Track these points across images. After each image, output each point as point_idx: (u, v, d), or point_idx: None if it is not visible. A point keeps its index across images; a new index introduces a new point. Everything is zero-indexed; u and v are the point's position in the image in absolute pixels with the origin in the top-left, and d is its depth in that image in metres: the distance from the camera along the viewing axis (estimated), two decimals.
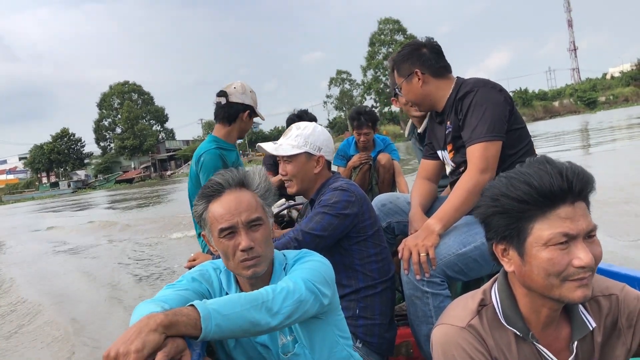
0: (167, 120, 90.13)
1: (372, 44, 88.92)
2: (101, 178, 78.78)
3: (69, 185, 75.61)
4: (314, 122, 2.53)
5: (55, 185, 79.44)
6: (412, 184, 2.83)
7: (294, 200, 3.70)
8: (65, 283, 8.47)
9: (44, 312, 6.70)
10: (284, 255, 1.83)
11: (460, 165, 2.43)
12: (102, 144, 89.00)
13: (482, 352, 1.35)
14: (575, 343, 1.38)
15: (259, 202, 1.70)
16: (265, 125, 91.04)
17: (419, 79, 2.46)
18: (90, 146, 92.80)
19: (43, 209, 35.95)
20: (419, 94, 2.50)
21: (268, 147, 2.46)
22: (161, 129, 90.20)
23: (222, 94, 3.34)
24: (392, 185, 4.58)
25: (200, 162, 3.24)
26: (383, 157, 4.48)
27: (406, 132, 3.86)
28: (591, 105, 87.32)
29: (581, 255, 1.21)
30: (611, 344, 1.40)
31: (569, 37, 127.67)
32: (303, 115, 4.31)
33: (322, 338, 1.74)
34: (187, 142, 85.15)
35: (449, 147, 2.50)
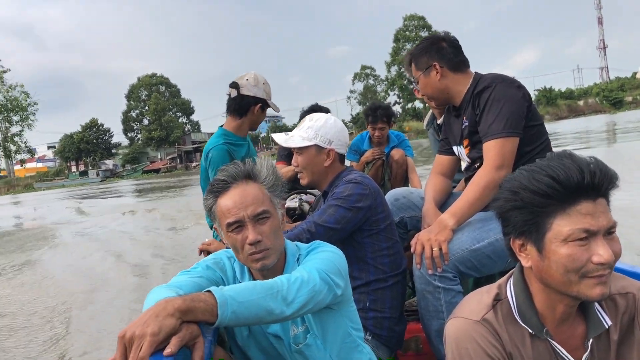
0: (193, 112, 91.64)
1: (396, 40, 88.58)
2: (129, 168, 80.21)
3: (97, 174, 76.84)
4: (327, 114, 2.50)
5: (84, 173, 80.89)
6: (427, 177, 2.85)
7: (306, 193, 3.68)
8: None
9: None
10: (297, 247, 1.83)
11: (476, 161, 2.42)
12: (129, 134, 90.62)
13: (497, 346, 1.34)
14: (591, 341, 1.36)
15: (266, 195, 1.71)
16: (289, 119, 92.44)
17: (437, 73, 2.45)
18: (118, 136, 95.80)
19: (78, 195, 37.20)
20: (437, 88, 2.49)
21: (279, 138, 2.47)
22: (187, 121, 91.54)
23: (233, 85, 3.28)
24: (404, 182, 4.56)
25: (208, 158, 3.23)
26: (396, 153, 4.46)
27: (425, 122, 3.86)
28: (617, 105, 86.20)
29: (601, 251, 1.19)
30: (627, 342, 1.38)
31: (599, 35, 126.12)
32: (316, 110, 4.22)
33: (334, 329, 1.75)
34: (212, 134, 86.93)
35: (465, 143, 2.47)
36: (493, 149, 2.23)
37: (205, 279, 1.68)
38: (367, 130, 4.75)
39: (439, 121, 3.40)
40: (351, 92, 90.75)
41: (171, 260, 8.80)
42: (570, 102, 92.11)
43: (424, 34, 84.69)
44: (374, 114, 4.44)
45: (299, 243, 1.87)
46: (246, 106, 3.26)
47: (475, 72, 2.48)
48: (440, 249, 2.18)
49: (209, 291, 1.42)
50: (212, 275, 1.73)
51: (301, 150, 2.40)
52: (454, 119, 2.57)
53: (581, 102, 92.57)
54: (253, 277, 1.76)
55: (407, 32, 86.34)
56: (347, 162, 4.34)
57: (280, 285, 1.51)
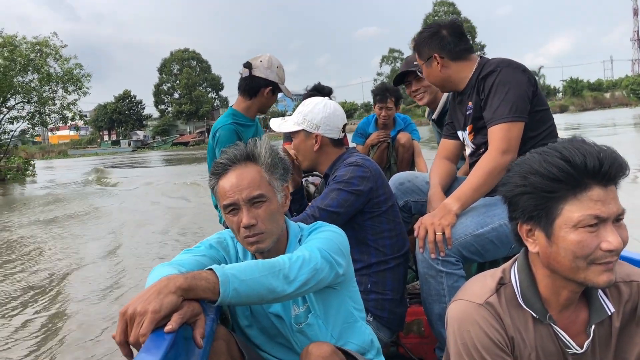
0: (222, 88, 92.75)
1: (425, 24, 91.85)
2: (159, 139, 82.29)
3: (129, 144, 79.51)
4: (320, 98, 2.46)
5: (116, 143, 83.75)
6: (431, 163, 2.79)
7: (313, 175, 3.62)
8: None
9: None
10: (300, 227, 1.83)
11: (481, 146, 2.38)
12: (160, 107, 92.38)
13: (499, 329, 1.34)
14: (593, 327, 1.36)
15: (263, 177, 1.68)
16: None
17: (438, 63, 2.43)
18: (149, 109, 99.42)
19: (118, 163, 39.98)
20: (439, 78, 2.48)
21: (274, 123, 2.48)
22: (216, 97, 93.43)
23: (247, 65, 3.25)
24: (411, 165, 4.50)
25: (216, 137, 3.21)
26: (403, 136, 4.43)
27: (427, 113, 3.82)
28: None
29: (610, 238, 1.19)
30: (630, 330, 1.38)
31: (633, 26, 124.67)
32: (319, 89, 4.21)
33: (336, 309, 1.75)
34: None
35: (469, 128, 2.45)
36: (498, 134, 2.20)
37: (208, 258, 1.69)
38: (373, 113, 4.73)
39: (434, 116, 3.45)
40: (378, 74, 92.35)
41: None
42: (596, 94, 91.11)
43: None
44: (382, 94, 4.41)
45: (301, 224, 1.86)
46: (256, 87, 3.24)
47: (481, 57, 2.46)
48: (444, 234, 2.17)
49: (210, 269, 1.42)
50: (215, 254, 1.74)
51: (293, 134, 2.43)
52: (458, 104, 2.55)
53: (607, 95, 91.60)
54: (255, 257, 1.75)
55: (437, 18, 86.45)
56: (353, 145, 4.31)
57: (282, 263, 1.52)
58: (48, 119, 29.61)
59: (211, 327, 1.45)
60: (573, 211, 1.21)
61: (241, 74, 3.30)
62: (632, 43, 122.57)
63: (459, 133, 2.58)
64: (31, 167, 28.23)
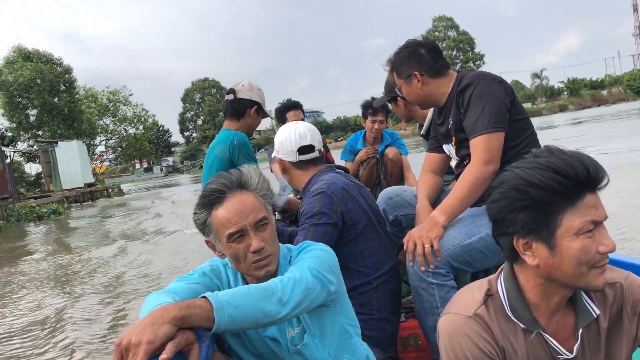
0: None
1: None
2: (188, 163, 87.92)
3: (161, 170, 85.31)
4: (292, 124, 2.53)
5: (148, 169, 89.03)
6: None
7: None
8: None
9: None
10: (288, 249, 1.83)
11: (465, 158, 2.41)
12: (185, 133, 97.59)
13: (489, 340, 1.36)
14: (581, 330, 1.38)
15: (261, 201, 1.69)
16: (328, 114, 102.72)
17: (418, 81, 2.46)
18: (175, 136, 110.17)
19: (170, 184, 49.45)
20: (420, 95, 2.51)
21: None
22: None
23: (230, 91, 3.47)
24: (400, 180, 4.56)
25: (235, 146, 3.30)
26: (391, 151, 4.50)
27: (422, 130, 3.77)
28: None
29: (606, 241, 1.25)
30: (617, 332, 1.41)
31: (634, 21, 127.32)
32: (289, 106, 4.37)
33: (331, 326, 1.75)
34: (259, 131, 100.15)
35: (453, 141, 2.48)
36: (480, 145, 2.24)
37: (201, 285, 1.69)
38: (361, 130, 4.83)
39: (422, 132, 3.50)
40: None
41: None
42: (594, 92, 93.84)
43: (452, 33, 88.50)
44: (373, 107, 4.49)
45: (289, 245, 1.87)
46: (243, 109, 3.44)
47: (458, 72, 2.50)
48: (432, 246, 2.19)
49: (204, 297, 1.41)
50: (208, 282, 1.74)
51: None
52: (440, 118, 2.58)
53: (605, 92, 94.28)
54: (246, 282, 1.75)
55: (437, 33, 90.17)
56: (342, 162, 4.53)
57: (274, 286, 1.51)
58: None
59: (207, 353, 1.43)
60: (573, 220, 1.24)
61: (226, 100, 3.51)
62: (635, 38, 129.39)
63: (444, 146, 2.60)
64: (119, 188, 40.05)
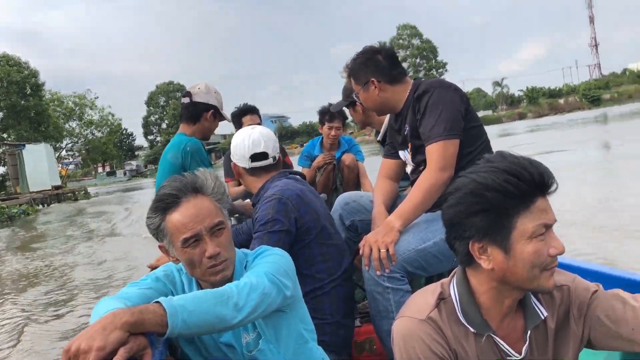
0: None
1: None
2: (152, 167, 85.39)
3: (124, 174, 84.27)
4: (248, 128, 2.50)
5: (111, 173, 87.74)
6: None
7: None
8: None
9: None
10: (244, 253, 1.81)
11: (420, 164, 2.44)
12: (149, 137, 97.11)
13: (442, 343, 1.38)
14: (529, 332, 1.42)
15: (217, 206, 1.67)
16: (295, 120, 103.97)
17: (375, 87, 2.49)
18: (139, 139, 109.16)
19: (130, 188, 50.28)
20: (377, 101, 2.54)
21: None
22: None
23: (186, 94, 3.38)
24: (357, 186, 4.59)
25: (187, 152, 3.23)
26: (347, 157, 4.53)
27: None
28: (595, 102, 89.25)
29: (556, 244, 1.29)
30: (564, 333, 1.45)
31: (591, 33, 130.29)
32: (244, 110, 4.38)
33: (287, 332, 1.73)
34: (224, 136, 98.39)
35: (409, 147, 2.52)
36: (436, 152, 2.28)
37: (154, 291, 1.66)
38: (318, 136, 4.83)
39: (378, 138, 3.55)
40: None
41: None
42: (552, 101, 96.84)
43: (416, 41, 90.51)
44: (330, 113, 4.50)
45: (245, 250, 1.84)
46: (199, 112, 3.36)
47: (414, 79, 2.54)
48: (388, 250, 2.21)
49: (158, 302, 1.38)
50: (162, 287, 1.71)
51: None
52: (396, 125, 2.62)
53: (562, 101, 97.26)
54: (201, 288, 1.71)
55: (401, 40, 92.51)
56: (299, 168, 4.42)
57: (230, 291, 1.49)
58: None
59: (160, 359, 1.41)
60: (526, 223, 1.27)
61: (182, 103, 3.42)
62: (591, 49, 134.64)
63: (400, 153, 2.63)
64: (85, 191, 40.35)
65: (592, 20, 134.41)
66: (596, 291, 1.47)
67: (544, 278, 1.32)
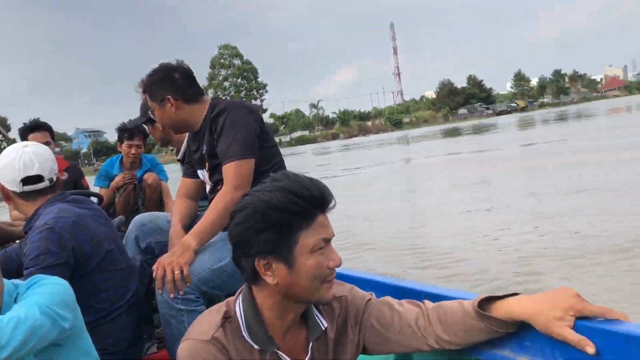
0: (10, 130, 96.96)
1: (212, 66, 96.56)
2: None
3: None
4: (20, 145, 2.23)
5: None
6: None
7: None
8: None
9: None
10: (14, 285, 1.64)
11: (218, 183, 2.45)
12: None
13: None
14: (311, 344, 1.47)
15: None
16: (111, 135, 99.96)
17: (171, 105, 2.45)
18: None
19: None
20: (174, 120, 2.51)
21: None
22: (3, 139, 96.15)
23: None
24: (160, 207, 4.46)
25: None
26: (150, 177, 4.37)
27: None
28: (397, 125, 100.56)
29: (334, 257, 1.37)
30: (343, 342, 1.53)
31: (394, 62, 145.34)
32: (35, 127, 4.10)
33: None
34: None
35: (207, 166, 2.52)
36: (232, 171, 2.32)
37: None
38: (117, 155, 4.60)
39: (178, 157, 3.38)
40: None
41: None
42: (361, 123, 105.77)
43: (237, 61, 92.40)
44: (130, 131, 4.33)
45: (16, 280, 1.67)
46: None
47: (212, 99, 2.55)
48: (182, 271, 2.17)
49: None
50: None
51: None
52: (194, 144, 2.61)
53: (370, 123, 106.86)
54: None
55: (222, 60, 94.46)
56: (97, 189, 4.28)
57: None
58: None
59: None
60: (308, 238, 1.33)
61: None
62: (395, 77, 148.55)
63: (199, 172, 2.62)
64: None
65: (395, 51, 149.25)
66: (370, 299, 1.56)
67: (323, 290, 1.38)
